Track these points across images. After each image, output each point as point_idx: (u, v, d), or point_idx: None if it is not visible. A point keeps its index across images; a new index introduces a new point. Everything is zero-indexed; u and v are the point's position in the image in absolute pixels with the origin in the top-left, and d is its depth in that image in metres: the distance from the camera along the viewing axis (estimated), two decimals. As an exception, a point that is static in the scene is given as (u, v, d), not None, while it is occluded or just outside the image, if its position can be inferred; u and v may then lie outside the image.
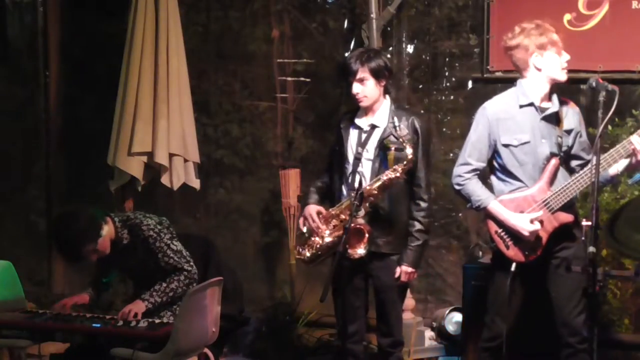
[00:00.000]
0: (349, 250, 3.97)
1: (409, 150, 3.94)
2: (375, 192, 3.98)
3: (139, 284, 4.33)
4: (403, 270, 4.08)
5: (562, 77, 3.88)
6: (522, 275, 3.91)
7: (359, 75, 4.02)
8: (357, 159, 4.09)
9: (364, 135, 4.11)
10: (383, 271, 4.11)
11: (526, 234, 3.82)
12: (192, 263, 4.20)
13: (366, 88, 4.04)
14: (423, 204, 4.13)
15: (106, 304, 4.60)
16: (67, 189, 6.72)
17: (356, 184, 3.96)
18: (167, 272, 4.19)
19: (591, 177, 3.65)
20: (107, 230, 4.14)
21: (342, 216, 4.06)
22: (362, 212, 4.01)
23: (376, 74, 4.03)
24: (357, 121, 4.14)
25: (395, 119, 4.02)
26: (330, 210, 4.13)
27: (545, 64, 3.84)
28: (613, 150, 3.74)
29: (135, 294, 4.32)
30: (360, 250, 3.98)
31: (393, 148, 4.01)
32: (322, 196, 4.25)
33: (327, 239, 4.09)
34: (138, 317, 4.01)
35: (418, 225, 4.11)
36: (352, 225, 3.92)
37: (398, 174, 3.96)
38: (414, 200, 4.12)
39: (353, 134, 4.14)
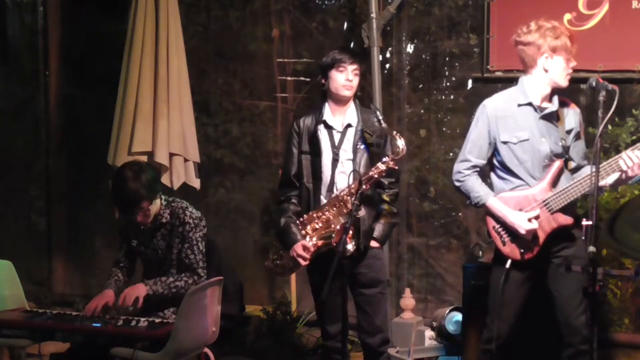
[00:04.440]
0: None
1: (401, 143, 3.96)
2: (365, 186, 3.95)
3: (150, 270, 4.32)
4: (370, 245, 4.08)
5: (564, 83, 3.88)
6: (523, 275, 3.92)
7: (357, 68, 4.06)
8: (336, 160, 4.07)
9: (337, 136, 4.09)
10: (369, 267, 4.09)
11: (523, 232, 3.83)
12: (205, 272, 4.22)
13: (356, 81, 4.08)
14: (391, 191, 4.17)
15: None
16: (67, 189, 6.72)
17: (349, 183, 3.97)
18: (181, 268, 4.21)
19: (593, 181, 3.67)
20: (159, 201, 4.20)
21: (324, 217, 4.05)
22: (362, 212, 4.01)
23: (362, 74, 4.14)
24: (329, 121, 4.11)
25: (378, 113, 4.04)
26: (311, 212, 4.10)
27: (553, 67, 3.84)
28: (606, 163, 3.73)
29: (144, 279, 4.33)
30: (348, 246, 3.95)
31: (370, 143, 4.04)
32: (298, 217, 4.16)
33: (311, 243, 4.07)
34: (139, 302, 4.01)
35: (388, 207, 4.15)
36: (343, 222, 3.94)
37: (391, 164, 3.97)
38: (382, 188, 4.14)
39: (324, 135, 4.11)
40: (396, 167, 4.03)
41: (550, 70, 3.84)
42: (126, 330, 3.89)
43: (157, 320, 4.00)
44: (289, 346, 5.43)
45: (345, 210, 4.00)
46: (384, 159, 3.97)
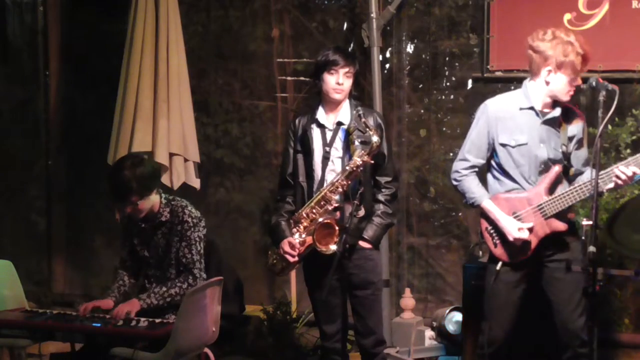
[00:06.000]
0: (321, 247, 3.95)
1: (375, 138, 3.92)
2: (344, 183, 3.95)
3: (150, 269, 4.32)
4: (360, 245, 4.04)
5: (565, 98, 3.84)
6: (517, 277, 3.91)
7: (350, 70, 4.03)
8: (326, 158, 4.06)
9: (329, 134, 4.08)
10: (360, 268, 4.06)
11: (511, 238, 3.83)
12: (202, 273, 4.21)
13: (348, 84, 4.05)
14: (388, 190, 4.11)
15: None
16: (67, 189, 6.72)
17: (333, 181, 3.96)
18: (178, 268, 4.21)
19: (590, 190, 3.66)
20: (154, 198, 4.19)
21: (312, 215, 4.04)
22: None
23: (355, 76, 4.10)
24: (321, 120, 4.10)
25: (361, 109, 4.01)
26: (300, 211, 4.08)
27: (554, 82, 3.79)
28: (604, 173, 3.69)
29: (143, 279, 4.33)
30: (332, 246, 3.93)
31: (357, 141, 3.97)
32: (291, 216, 4.16)
33: (299, 240, 4.07)
34: (131, 316, 4.01)
35: (383, 207, 4.08)
36: (322, 220, 3.94)
37: (365, 158, 3.92)
38: (378, 188, 4.11)
39: (316, 134, 4.11)
40: (372, 161, 3.98)
41: (552, 84, 3.80)
42: (126, 330, 3.89)
43: (157, 320, 4.00)
44: (289, 346, 5.43)
45: (329, 207, 3.99)
46: (359, 153, 3.93)
